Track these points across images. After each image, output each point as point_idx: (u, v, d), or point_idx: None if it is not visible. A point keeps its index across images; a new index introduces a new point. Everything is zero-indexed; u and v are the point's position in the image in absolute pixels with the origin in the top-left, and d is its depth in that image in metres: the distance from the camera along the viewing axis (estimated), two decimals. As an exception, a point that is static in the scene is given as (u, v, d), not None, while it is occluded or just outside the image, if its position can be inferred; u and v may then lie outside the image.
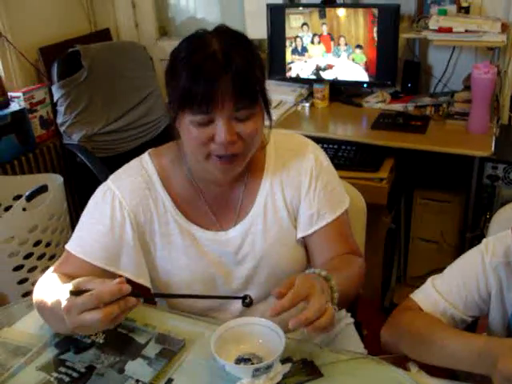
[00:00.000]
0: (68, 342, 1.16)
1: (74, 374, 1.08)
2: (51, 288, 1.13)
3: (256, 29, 2.95)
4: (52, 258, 2.50)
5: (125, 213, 1.23)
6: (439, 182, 2.50)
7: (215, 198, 1.29)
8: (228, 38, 1.11)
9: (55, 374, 1.08)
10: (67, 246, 1.25)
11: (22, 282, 2.37)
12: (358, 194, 1.59)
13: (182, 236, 1.27)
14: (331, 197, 1.30)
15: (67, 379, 1.07)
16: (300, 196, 1.29)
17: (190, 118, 1.10)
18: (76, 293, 0.95)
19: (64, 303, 0.95)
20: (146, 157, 1.30)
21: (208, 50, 1.07)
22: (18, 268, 2.36)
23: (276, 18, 2.75)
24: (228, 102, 1.07)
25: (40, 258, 2.44)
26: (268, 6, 2.75)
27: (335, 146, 2.34)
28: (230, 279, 1.30)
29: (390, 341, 1.15)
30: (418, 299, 1.17)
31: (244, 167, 1.22)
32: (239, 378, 1.01)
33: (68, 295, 0.96)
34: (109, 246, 1.22)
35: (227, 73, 1.06)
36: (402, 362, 1.10)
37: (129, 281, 1.16)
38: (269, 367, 0.99)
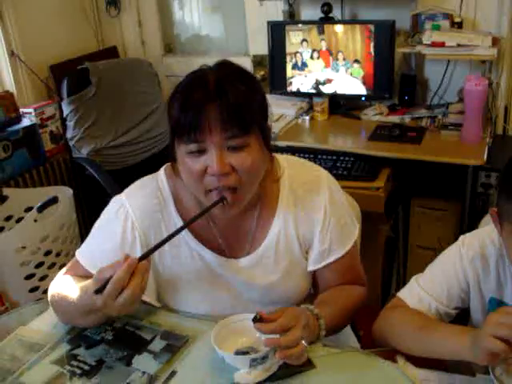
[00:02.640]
0: (79, 339, 1.25)
1: (85, 367, 1.16)
2: (71, 289, 1.22)
3: (258, 45, 3.08)
4: (62, 267, 2.57)
5: (136, 233, 1.28)
6: (436, 190, 2.58)
7: (226, 227, 1.31)
8: (226, 70, 1.16)
9: (68, 367, 1.16)
10: (77, 254, 1.32)
11: (33, 290, 2.46)
12: (355, 203, 1.67)
13: (192, 259, 1.31)
14: (342, 232, 1.33)
15: (79, 371, 1.15)
16: (313, 232, 1.32)
17: (183, 148, 1.13)
18: (99, 290, 1.06)
19: (98, 303, 1.06)
20: (162, 176, 1.32)
21: (201, 81, 1.12)
22: (29, 277, 2.46)
23: (277, 35, 2.85)
24: (217, 128, 1.10)
25: (50, 267, 2.53)
26: (269, 23, 2.86)
27: (334, 157, 2.43)
28: (237, 302, 1.34)
29: (381, 336, 1.23)
30: (404, 297, 1.25)
31: (255, 197, 1.27)
32: (238, 370, 1.09)
33: (95, 295, 1.06)
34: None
35: (216, 101, 1.09)
36: (390, 354, 1.17)
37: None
38: (264, 358, 1.07)
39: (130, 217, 1.28)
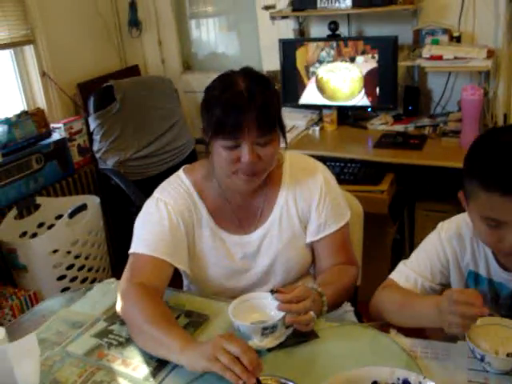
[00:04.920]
0: (114, 317, 1.43)
1: (121, 340, 1.35)
2: (160, 322, 1.28)
3: (270, 61, 3.28)
4: (90, 269, 2.79)
5: (178, 217, 1.49)
6: (438, 194, 2.73)
7: (240, 207, 1.56)
8: (251, 78, 1.39)
9: (105, 340, 1.35)
10: (134, 251, 1.46)
11: (64, 290, 2.66)
12: (356, 201, 1.85)
13: (212, 238, 1.54)
14: (336, 210, 1.57)
15: (115, 343, 1.34)
16: (310, 208, 1.55)
17: (221, 143, 1.37)
18: None
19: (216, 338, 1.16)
20: (181, 173, 1.56)
21: (235, 89, 1.35)
22: (61, 278, 2.67)
23: (288, 52, 3.05)
24: (252, 130, 1.34)
25: (80, 269, 2.74)
26: (280, 40, 3.06)
27: (341, 164, 2.61)
28: (250, 274, 1.57)
29: (375, 312, 1.40)
30: (394, 277, 1.43)
31: (263, 181, 1.50)
32: (251, 339, 1.26)
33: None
34: (169, 243, 1.46)
35: (251, 108, 1.32)
36: (384, 327, 1.34)
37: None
38: (274, 327, 1.24)
39: (168, 205, 1.49)
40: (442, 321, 1.16)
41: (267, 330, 1.24)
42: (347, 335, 1.33)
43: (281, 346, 1.26)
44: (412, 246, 2.88)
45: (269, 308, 1.31)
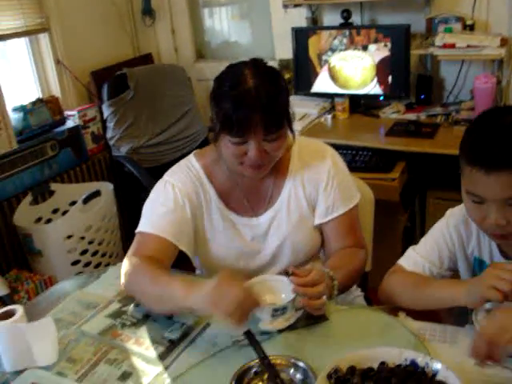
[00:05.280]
0: (128, 299, 1.46)
1: (134, 320, 1.38)
2: (157, 275, 1.34)
3: (283, 50, 3.28)
4: (104, 255, 2.83)
5: (184, 199, 1.51)
6: (450, 182, 2.72)
7: (249, 190, 1.58)
8: (260, 73, 1.38)
9: (119, 320, 1.39)
10: (140, 229, 1.49)
11: (78, 275, 2.68)
12: (367, 187, 1.86)
13: (222, 220, 1.57)
14: (344, 193, 1.58)
15: (128, 323, 1.37)
16: (318, 191, 1.57)
17: (228, 138, 1.38)
18: None
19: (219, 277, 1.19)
20: (191, 158, 1.59)
21: (244, 87, 1.34)
22: (75, 263, 2.71)
23: (300, 40, 3.06)
24: (259, 129, 1.34)
25: (94, 254, 2.78)
26: (293, 29, 3.07)
27: (353, 152, 2.62)
28: (260, 256, 1.59)
29: (385, 297, 1.42)
30: (403, 263, 1.44)
31: (270, 168, 1.51)
32: (262, 320, 1.28)
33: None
34: (174, 223, 1.48)
35: (259, 107, 1.32)
36: (393, 311, 1.36)
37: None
38: (284, 309, 1.26)
39: (176, 186, 1.52)
40: (470, 296, 1.18)
41: (277, 312, 1.26)
42: (356, 318, 1.36)
43: (291, 327, 1.28)
44: (423, 234, 2.84)
45: (279, 290, 1.33)
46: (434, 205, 2.77)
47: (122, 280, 1.42)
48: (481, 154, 1.15)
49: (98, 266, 2.80)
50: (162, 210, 1.50)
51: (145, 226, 1.50)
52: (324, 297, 1.28)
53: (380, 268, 1.79)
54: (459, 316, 1.29)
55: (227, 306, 1.14)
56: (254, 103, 1.33)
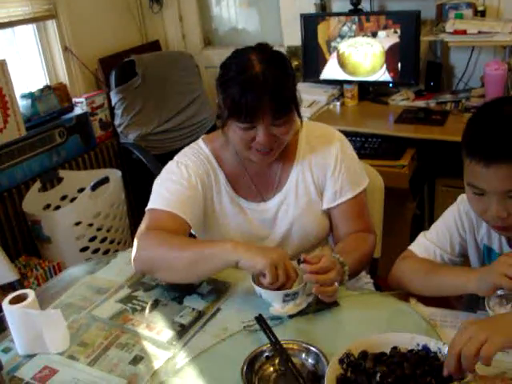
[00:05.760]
0: (138, 284, 1.47)
1: (144, 305, 1.38)
2: (187, 239, 1.42)
3: (291, 37, 3.26)
4: (112, 242, 2.84)
5: (197, 178, 1.52)
6: (459, 170, 2.71)
7: (257, 175, 1.58)
8: (267, 58, 1.38)
9: (130, 305, 1.39)
10: (152, 206, 1.48)
11: (87, 260, 2.69)
12: (377, 174, 1.85)
13: (231, 205, 1.57)
14: (352, 178, 1.57)
15: (139, 308, 1.37)
16: (326, 175, 1.56)
17: (236, 123, 1.38)
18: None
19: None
20: (200, 142, 1.60)
21: (251, 72, 1.34)
22: (84, 249, 2.72)
23: (309, 27, 3.03)
24: (267, 114, 1.35)
25: (102, 241, 2.78)
26: (301, 15, 3.04)
27: (362, 139, 2.61)
28: (268, 240, 1.59)
29: (396, 282, 1.41)
30: (414, 249, 1.43)
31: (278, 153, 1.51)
32: (272, 306, 1.28)
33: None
34: (187, 202, 1.48)
35: (266, 92, 1.32)
36: (404, 296, 1.36)
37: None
38: (296, 294, 1.26)
39: (188, 167, 1.52)
40: (481, 284, 1.17)
41: (288, 297, 1.26)
42: (367, 303, 1.35)
43: (302, 313, 1.28)
44: (432, 222, 2.84)
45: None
46: (443, 192, 2.76)
47: (136, 254, 1.39)
48: (480, 146, 1.15)
49: (106, 252, 2.80)
50: (174, 187, 1.49)
51: (157, 202, 1.48)
52: (336, 283, 1.28)
53: (388, 255, 1.79)
54: (469, 302, 1.28)
55: (278, 257, 1.24)
56: (262, 88, 1.33)
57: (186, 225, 1.46)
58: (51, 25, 3.12)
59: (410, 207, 2.73)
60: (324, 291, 1.26)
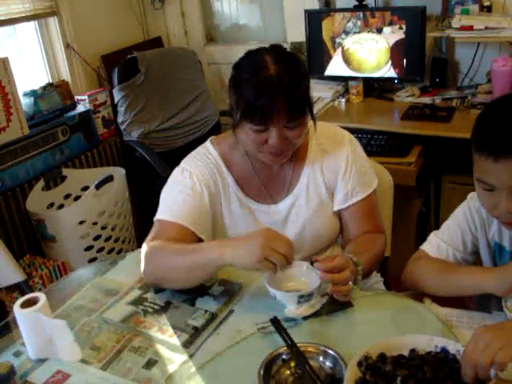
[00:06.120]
0: (149, 285, 1.45)
1: (156, 307, 1.37)
2: (181, 247, 1.37)
3: (295, 33, 3.24)
4: (116, 240, 2.82)
5: (202, 185, 1.50)
6: (465, 167, 2.70)
7: (267, 176, 1.56)
8: (282, 60, 1.36)
9: (141, 307, 1.37)
10: (158, 217, 1.48)
11: (91, 260, 2.69)
12: (386, 172, 1.83)
13: (240, 208, 1.55)
14: (363, 179, 1.56)
15: (151, 310, 1.36)
16: (337, 177, 1.55)
17: (249, 125, 1.36)
18: None
19: (265, 233, 1.23)
20: (208, 144, 1.58)
21: (266, 74, 1.33)
22: (88, 248, 2.69)
23: (313, 23, 3.01)
24: (281, 116, 1.33)
25: (107, 240, 2.76)
26: (306, 11, 3.02)
27: (368, 136, 2.60)
28: None
29: (409, 283, 1.40)
30: (426, 248, 1.42)
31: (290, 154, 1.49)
32: (286, 308, 1.27)
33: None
34: (193, 211, 1.47)
35: (281, 93, 1.30)
36: (417, 297, 1.34)
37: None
38: (310, 295, 1.25)
39: (193, 174, 1.51)
40: (500, 283, 1.17)
41: (303, 299, 1.25)
42: (381, 304, 1.34)
43: (316, 314, 1.27)
44: (437, 219, 2.87)
45: (304, 276, 1.32)
46: (449, 189, 2.75)
47: (143, 265, 1.41)
48: (488, 141, 1.15)
49: (111, 251, 2.79)
50: (180, 197, 1.49)
51: (164, 213, 1.48)
52: (350, 282, 1.27)
53: (395, 253, 1.79)
54: (479, 301, 1.28)
55: (263, 247, 1.19)
56: (277, 90, 1.31)
57: (193, 235, 1.46)
58: (53, 22, 3.09)
59: (415, 204, 2.72)
60: (339, 290, 1.25)
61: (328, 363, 1.11)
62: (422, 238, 2.85)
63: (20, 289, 2.19)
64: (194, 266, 1.32)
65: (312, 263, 1.27)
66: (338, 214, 1.59)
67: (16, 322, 1.21)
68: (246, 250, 1.23)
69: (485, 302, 1.29)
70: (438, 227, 2.87)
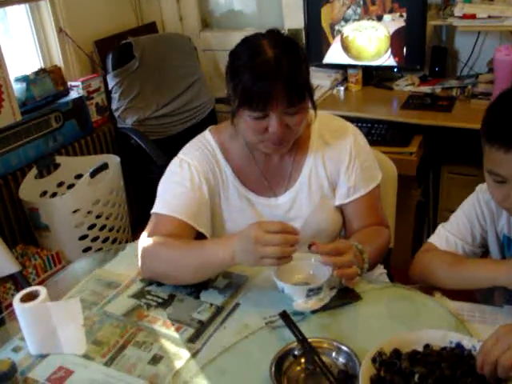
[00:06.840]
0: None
1: (159, 300, 1.33)
2: (187, 246, 1.34)
3: (292, 19, 3.19)
4: (111, 229, 2.77)
5: (201, 177, 1.46)
6: (466, 157, 2.68)
7: (268, 168, 1.52)
8: (280, 44, 1.31)
9: (144, 300, 1.33)
10: (155, 211, 1.44)
11: (86, 250, 2.65)
12: (391, 163, 1.80)
13: (240, 200, 1.51)
14: (366, 173, 1.52)
15: (154, 304, 1.32)
16: (339, 171, 1.51)
17: (248, 113, 1.31)
18: None
19: (254, 233, 1.16)
20: (207, 134, 1.53)
21: (263, 58, 1.28)
22: (83, 237, 2.65)
23: (312, 9, 2.96)
24: (281, 101, 1.27)
25: (102, 229, 2.72)
26: (304, -3, 2.96)
27: (368, 125, 2.56)
28: None
29: (418, 276, 1.37)
30: (434, 241, 1.40)
31: (292, 143, 1.44)
32: (294, 301, 1.24)
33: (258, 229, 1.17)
34: (191, 204, 1.43)
35: (280, 78, 1.25)
36: (427, 290, 1.32)
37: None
38: (319, 289, 1.22)
39: (192, 165, 1.46)
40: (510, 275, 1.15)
41: (312, 292, 1.22)
42: (390, 297, 1.31)
43: (324, 307, 1.23)
44: (436, 210, 2.85)
45: (311, 269, 1.29)
46: (449, 179, 2.74)
47: (141, 260, 1.37)
48: (499, 132, 1.12)
49: (105, 240, 2.74)
50: (178, 190, 1.45)
51: (161, 207, 1.44)
52: (355, 266, 1.24)
53: (394, 242, 1.75)
54: (486, 293, 1.25)
55: (273, 236, 1.15)
56: (275, 74, 1.26)
57: (191, 228, 1.42)
58: (44, 5, 3.01)
59: (414, 194, 2.69)
60: (344, 273, 1.22)
61: (341, 359, 1.08)
62: (421, 228, 2.84)
63: (14, 279, 2.14)
64: (202, 266, 1.30)
65: (309, 247, 1.23)
66: (341, 208, 1.55)
67: (12, 315, 1.18)
68: (243, 254, 1.21)
69: (488, 295, 1.26)
70: (436, 218, 2.88)
